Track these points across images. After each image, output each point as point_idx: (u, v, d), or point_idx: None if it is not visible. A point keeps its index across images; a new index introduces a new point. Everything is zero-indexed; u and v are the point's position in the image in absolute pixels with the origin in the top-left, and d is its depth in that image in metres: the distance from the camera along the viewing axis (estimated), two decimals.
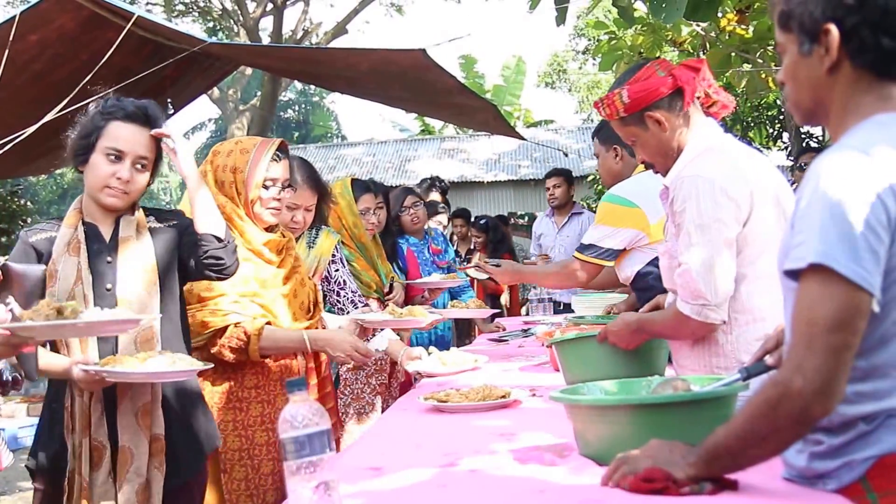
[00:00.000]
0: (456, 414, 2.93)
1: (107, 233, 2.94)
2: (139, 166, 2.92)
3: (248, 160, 3.29)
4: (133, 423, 2.80)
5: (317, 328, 3.42)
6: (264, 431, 3.21)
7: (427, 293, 5.72)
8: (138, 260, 2.90)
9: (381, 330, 4.15)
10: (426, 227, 6.38)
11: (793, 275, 1.63)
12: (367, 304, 4.44)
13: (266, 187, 3.30)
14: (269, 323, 3.19)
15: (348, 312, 4.25)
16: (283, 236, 3.45)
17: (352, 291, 4.38)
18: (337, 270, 4.37)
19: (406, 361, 4.05)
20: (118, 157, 2.88)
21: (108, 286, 2.84)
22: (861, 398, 1.67)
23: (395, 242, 5.65)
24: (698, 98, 2.86)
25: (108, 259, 2.89)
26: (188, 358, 2.78)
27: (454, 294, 6.09)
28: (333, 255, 4.30)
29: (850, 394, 1.65)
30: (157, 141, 2.96)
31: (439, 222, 7.19)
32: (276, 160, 3.33)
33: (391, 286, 5.10)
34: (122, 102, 2.98)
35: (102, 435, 2.78)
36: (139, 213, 3.00)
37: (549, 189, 8.40)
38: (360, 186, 4.98)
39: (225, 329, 3.14)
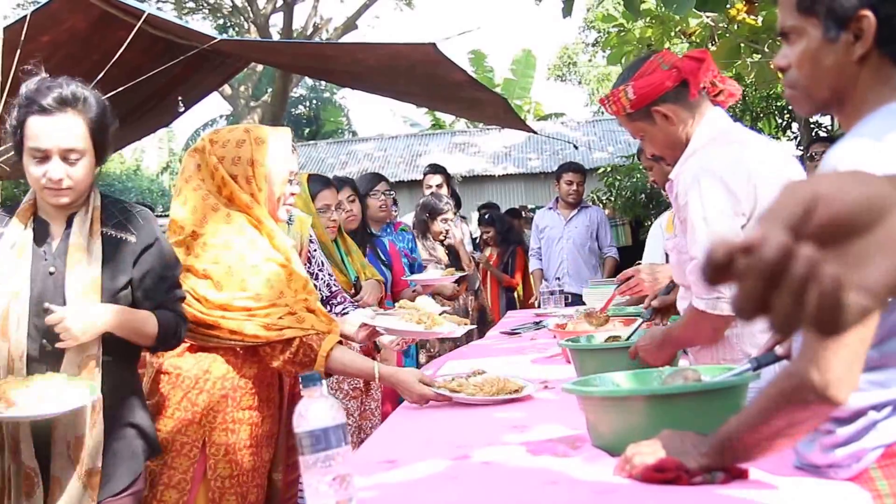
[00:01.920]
0: (467, 406, 2.93)
1: (57, 233, 2.68)
2: (72, 159, 2.58)
3: (266, 151, 3.02)
4: (64, 453, 2.56)
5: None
6: (251, 456, 2.99)
7: (419, 287, 5.58)
8: (82, 274, 2.61)
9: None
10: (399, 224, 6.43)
11: None
12: (340, 290, 4.11)
13: (289, 182, 3.10)
14: (340, 342, 3.02)
15: (324, 297, 3.97)
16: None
17: (328, 274, 4.12)
18: (315, 251, 4.12)
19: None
20: (44, 156, 2.56)
21: (46, 304, 2.55)
22: (872, 387, 1.68)
23: (372, 236, 5.49)
24: (704, 88, 2.83)
25: (52, 270, 2.63)
26: (81, 384, 2.50)
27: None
28: (311, 236, 4.06)
29: (862, 383, 1.64)
30: (91, 123, 2.64)
31: (444, 220, 6.96)
32: (292, 151, 3.12)
33: (356, 286, 4.73)
34: (38, 91, 2.58)
35: (32, 461, 2.55)
36: (95, 212, 2.70)
37: (570, 183, 8.35)
38: (319, 182, 4.72)
39: (285, 342, 2.93)
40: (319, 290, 4.00)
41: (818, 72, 1.75)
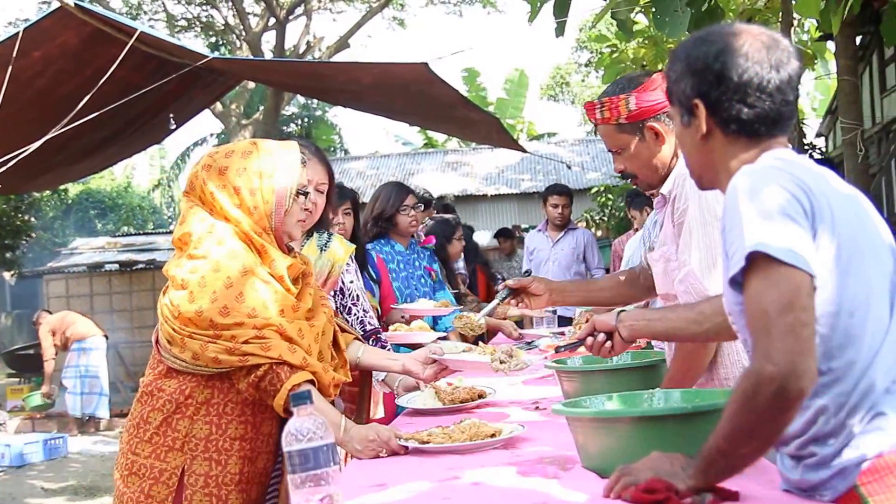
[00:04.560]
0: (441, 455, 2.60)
1: None
2: None
3: (275, 163, 2.80)
4: None
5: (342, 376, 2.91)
6: (238, 494, 2.70)
7: (407, 315, 5.22)
8: None
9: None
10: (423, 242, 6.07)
11: (738, 286, 1.73)
12: (376, 329, 3.84)
13: (298, 195, 2.85)
14: (311, 381, 2.68)
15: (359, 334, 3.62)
16: (303, 262, 2.94)
17: (363, 310, 3.84)
18: (352, 282, 3.84)
19: (401, 392, 3.59)
20: None
21: None
22: (839, 398, 1.74)
23: (364, 251, 5.14)
24: None
25: None
26: None
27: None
28: (348, 265, 3.79)
29: (826, 401, 1.74)
30: None
31: (460, 238, 6.84)
32: (303, 164, 2.89)
33: None
34: None
35: None
36: None
37: (556, 206, 8.36)
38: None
39: (250, 366, 2.63)
40: (352, 326, 3.74)
41: (686, 151, 2.08)
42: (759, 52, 1.89)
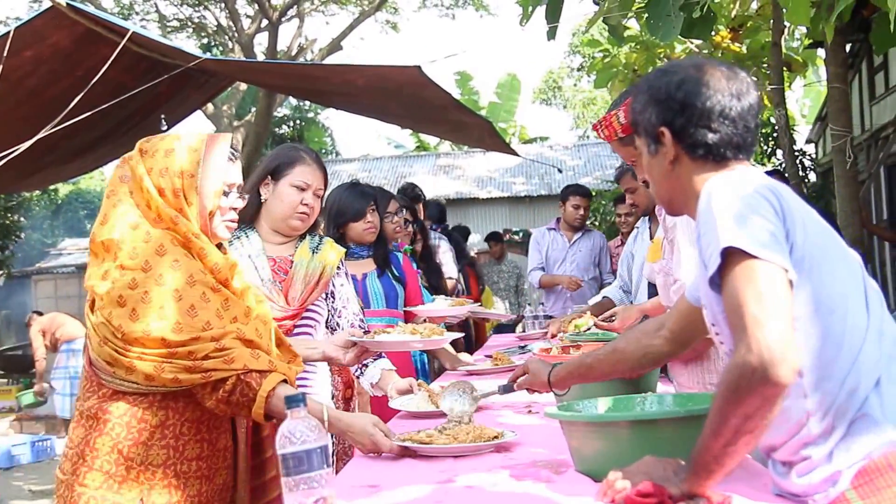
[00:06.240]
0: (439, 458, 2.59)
1: None
2: None
3: (198, 160, 2.61)
4: None
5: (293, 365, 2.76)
6: None
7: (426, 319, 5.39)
8: None
9: (379, 357, 3.67)
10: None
11: (716, 286, 1.77)
12: (368, 331, 3.65)
13: (225, 194, 2.68)
14: (284, 381, 2.56)
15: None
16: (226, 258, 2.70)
17: (353, 313, 3.74)
18: (342, 286, 3.75)
19: (394, 395, 3.54)
20: None
21: None
22: (827, 396, 1.76)
23: (387, 252, 5.13)
24: None
25: None
26: None
27: None
28: (338, 269, 3.73)
29: (821, 395, 1.76)
30: None
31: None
32: (231, 160, 2.69)
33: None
34: None
35: None
36: None
37: (577, 207, 8.23)
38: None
39: (215, 381, 2.48)
40: (344, 329, 3.62)
41: (654, 180, 2.13)
42: (719, 81, 1.98)
